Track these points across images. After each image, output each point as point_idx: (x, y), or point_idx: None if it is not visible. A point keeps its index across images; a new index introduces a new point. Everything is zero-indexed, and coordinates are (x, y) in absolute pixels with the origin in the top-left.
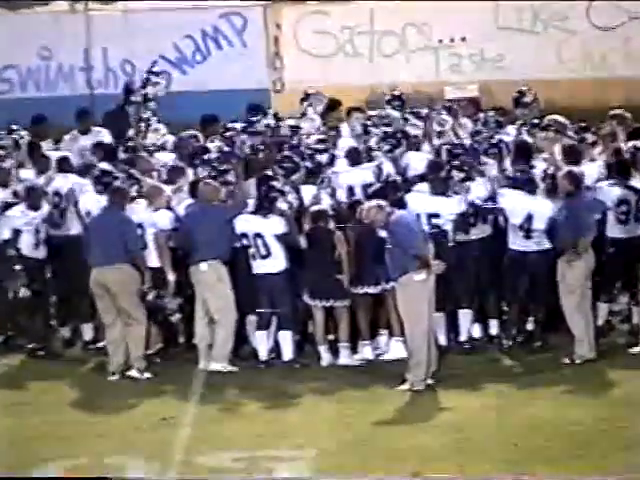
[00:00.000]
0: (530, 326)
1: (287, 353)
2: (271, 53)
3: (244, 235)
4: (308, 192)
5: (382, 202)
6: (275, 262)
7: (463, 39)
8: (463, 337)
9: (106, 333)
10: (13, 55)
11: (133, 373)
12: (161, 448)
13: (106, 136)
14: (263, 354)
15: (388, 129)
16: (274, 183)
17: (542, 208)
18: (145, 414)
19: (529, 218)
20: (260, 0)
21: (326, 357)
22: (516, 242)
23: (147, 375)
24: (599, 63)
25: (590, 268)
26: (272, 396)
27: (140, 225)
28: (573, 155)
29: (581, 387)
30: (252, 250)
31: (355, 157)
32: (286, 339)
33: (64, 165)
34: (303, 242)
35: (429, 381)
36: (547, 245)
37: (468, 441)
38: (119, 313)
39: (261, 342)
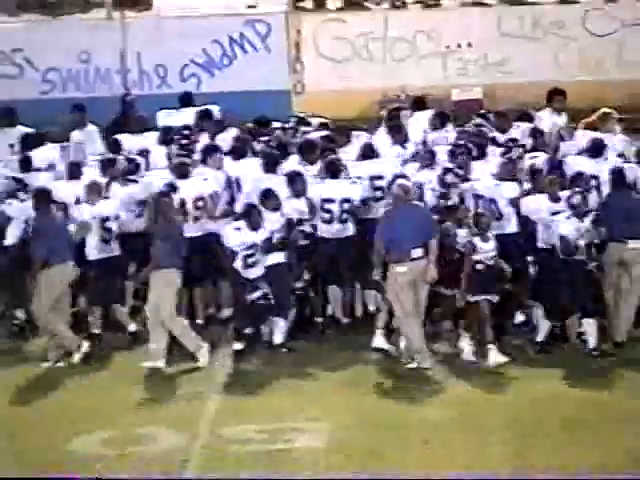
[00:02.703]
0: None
1: (278, 338)
2: (292, 57)
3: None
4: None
5: (409, 185)
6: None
7: (469, 45)
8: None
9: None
10: (55, 59)
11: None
12: (190, 420)
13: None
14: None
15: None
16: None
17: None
18: (175, 388)
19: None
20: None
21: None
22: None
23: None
24: (594, 67)
25: None
26: (291, 374)
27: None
28: None
29: (590, 370)
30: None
31: (368, 152)
32: (279, 325)
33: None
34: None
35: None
36: None
37: (474, 414)
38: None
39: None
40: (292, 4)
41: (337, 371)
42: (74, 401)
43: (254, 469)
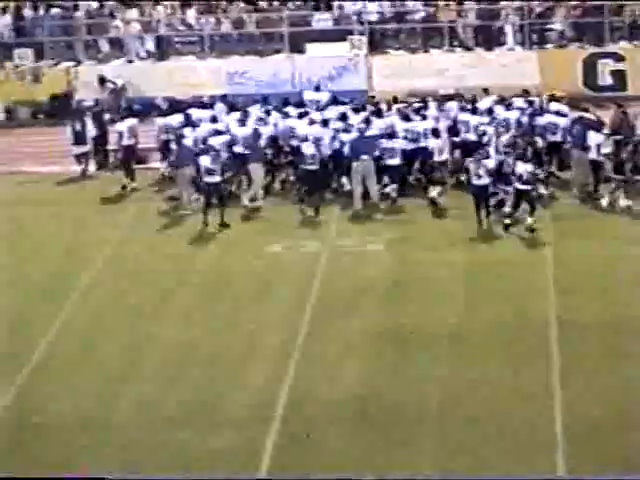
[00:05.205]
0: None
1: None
2: (368, 74)
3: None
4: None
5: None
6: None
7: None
8: None
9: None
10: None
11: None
12: (322, 236)
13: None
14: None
15: None
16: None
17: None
18: (314, 219)
19: None
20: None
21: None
22: None
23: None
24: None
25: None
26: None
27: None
28: None
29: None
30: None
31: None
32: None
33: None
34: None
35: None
36: None
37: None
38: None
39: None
40: (368, 51)
41: (394, 214)
42: (264, 223)
43: (348, 262)
